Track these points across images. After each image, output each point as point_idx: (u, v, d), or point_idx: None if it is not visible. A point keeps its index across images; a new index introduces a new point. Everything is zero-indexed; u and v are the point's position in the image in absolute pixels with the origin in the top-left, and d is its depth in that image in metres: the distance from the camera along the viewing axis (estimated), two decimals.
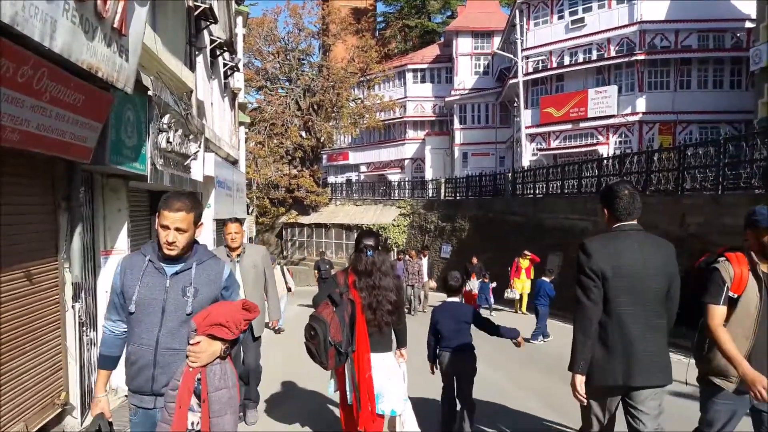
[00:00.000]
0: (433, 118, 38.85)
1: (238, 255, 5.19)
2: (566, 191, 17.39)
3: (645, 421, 3.15)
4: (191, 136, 8.22)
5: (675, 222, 11.32)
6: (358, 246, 4.01)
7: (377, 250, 4.01)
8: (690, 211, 11.03)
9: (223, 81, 13.57)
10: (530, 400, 6.34)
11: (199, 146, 8.40)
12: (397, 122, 39.68)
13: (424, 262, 15.50)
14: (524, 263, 14.70)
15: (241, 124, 16.02)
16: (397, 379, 4.11)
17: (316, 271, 16.17)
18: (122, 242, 6.17)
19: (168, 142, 6.90)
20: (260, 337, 5.48)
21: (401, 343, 4.30)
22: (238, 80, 15.66)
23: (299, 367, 6.77)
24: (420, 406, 4.98)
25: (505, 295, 14.87)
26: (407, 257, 15.52)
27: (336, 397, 4.33)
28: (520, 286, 14.67)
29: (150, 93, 5.91)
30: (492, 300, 14.53)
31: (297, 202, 34.24)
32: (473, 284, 14.94)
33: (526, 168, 22.66)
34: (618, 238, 3.17)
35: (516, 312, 15.19)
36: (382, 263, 4.00)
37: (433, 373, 5.10)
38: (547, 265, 17.25)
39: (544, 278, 10.89)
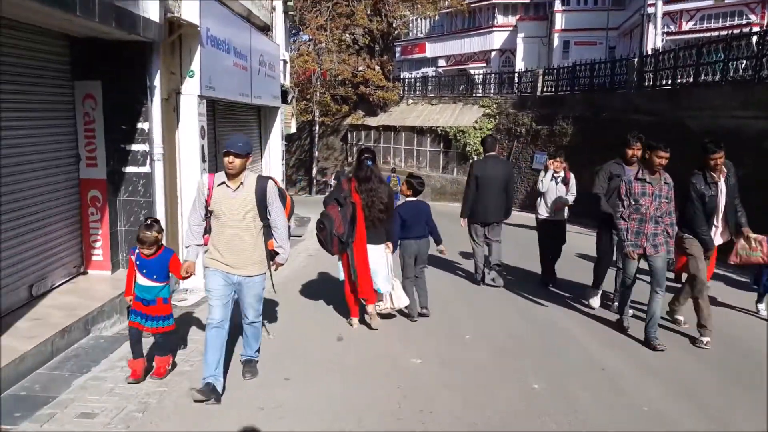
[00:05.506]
0: (528, 0, 32.45)
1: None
2: (731, 76, 12.09)
3: (493, 243, 7.60)
4: None
5: None
6: (360, 158, 5.71)
7: (374, 161, 5.66)
8: None
9: None
10: None
11: None
12: (485, 5, 33.47)
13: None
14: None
15: None
16: (383, 265, 5.74)
17: (334, 181, 16.91)
18: None
19: None
20: None
21: (389, 238, 5.83)
22: None
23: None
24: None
25: None
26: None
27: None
28: None
29: None
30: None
31: (363, 100, 29.72)
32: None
33: (660, 50, 17.03)
34: (486, 160, 7.72)
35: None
36: (379, 172, 5.70)
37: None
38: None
39: None
